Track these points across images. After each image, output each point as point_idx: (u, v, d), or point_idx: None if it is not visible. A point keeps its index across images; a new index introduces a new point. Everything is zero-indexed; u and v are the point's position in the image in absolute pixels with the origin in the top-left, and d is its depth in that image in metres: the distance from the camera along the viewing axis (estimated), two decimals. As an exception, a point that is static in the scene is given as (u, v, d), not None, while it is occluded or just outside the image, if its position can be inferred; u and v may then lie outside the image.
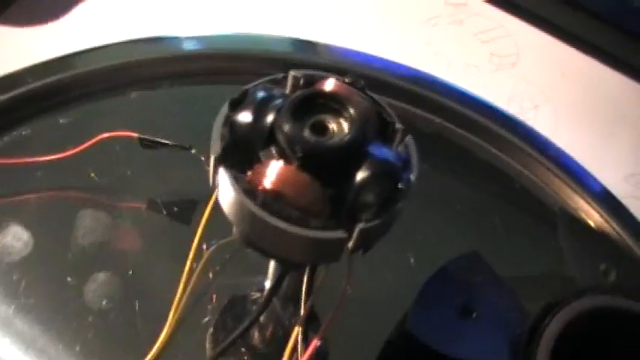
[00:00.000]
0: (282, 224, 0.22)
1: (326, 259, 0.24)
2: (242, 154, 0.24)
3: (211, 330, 0.36)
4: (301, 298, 0.33)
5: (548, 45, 0.53)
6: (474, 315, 0.33)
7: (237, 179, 0.23)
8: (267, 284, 0.35)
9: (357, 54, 0.43)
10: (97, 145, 0.35)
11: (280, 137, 0.23)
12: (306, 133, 0.23)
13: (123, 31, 0.45)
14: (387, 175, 0.23)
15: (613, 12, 0.53)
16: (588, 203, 0.41)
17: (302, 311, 0.28)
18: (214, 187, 0.24)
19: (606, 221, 0.39)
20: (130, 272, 0.34)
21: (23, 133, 0.39)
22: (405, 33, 0.49)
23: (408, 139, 0.25)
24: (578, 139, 0.46)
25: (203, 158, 0.35)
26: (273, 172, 0.22)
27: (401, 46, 0.46)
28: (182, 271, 0.33)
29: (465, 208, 0.40)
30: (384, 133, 0.26)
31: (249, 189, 0.23)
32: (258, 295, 0.40)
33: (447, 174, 0.39)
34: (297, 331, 0.28)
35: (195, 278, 0.33)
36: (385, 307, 0.35)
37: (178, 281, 0.33)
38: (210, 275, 0.36)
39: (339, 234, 0.22)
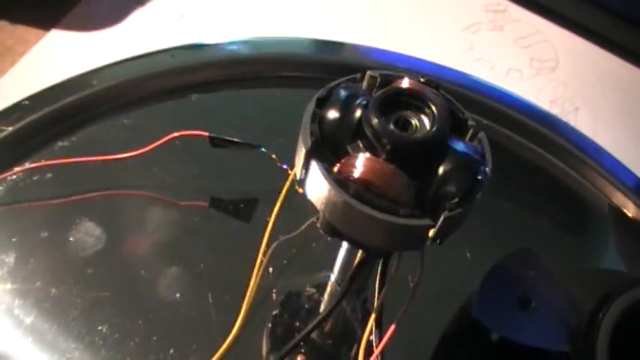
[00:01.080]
0: (374, 212, 0.24)
1: (410, 246, 0.26)
2: (329, 148, 0.25)
3: (270, 325, 0.37)
4: (367, 290, 0.35)
5: (585, 50, 0.54)
6: (532, 305, 0.35)
7: (328, 171, 0.25)
8: (332, 277, 0.37)
9: (408, 59, 0.45)
10: (164, 145, 0.37)
11: (369, 131, 0.24)
12: (391, 127, 0.25)
13: (176, 37, 0.46)
14: (468, 168, 0.25)
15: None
16: (632, 200, 0.42)
17: (376, 300, 0.29)
18: (302, 180, 0.26)
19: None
20: (201, 266, 0.36)
21: (90, 133, 0.41)
22: (448, 40, 0.51)
23: (482, 134, 0.27)
24: (618, 139, 0.47)
25: (274, 156, 0.37)
26: (362, 163, 0.24)
27: (445, 52, 0.48)
28: (248, 265, 0.35)
29: (513, 206, 0.42)
30: (457, 128, 0.27)
31: (340, 180, 0.24)
32: (314, 290, 0.41)
33: (495, 174, 0.41)
34: (372, 318, 0.29)
35: (262, 272, 0.35)
36: (446, 297, 0.36)
37: (245, 274, 0.34)
38: (271, 270, 0.37)
39: (426, 221, 0.24)
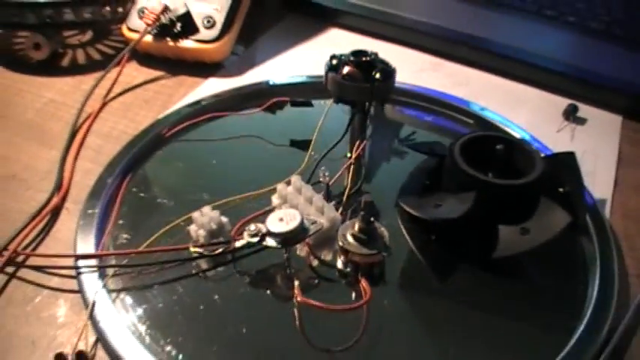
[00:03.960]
0: (350, 83, 0.67)
1: (366, 97, 0.68)
2: (334, 71, 0.70)
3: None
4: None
5: (489, 77, 0.97)
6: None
7: (334, 74, 0.69)
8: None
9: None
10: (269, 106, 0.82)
11: (349, 61, 0.69)
12: (357, 59, 0.69)
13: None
14: (385, 70, 0.69)
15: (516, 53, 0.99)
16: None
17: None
18: (325, 83, 0.70)
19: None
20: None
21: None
22: (404, 76, 0.94)
23: (394, 66, 0.71)
24: (495, 106, 0.88)
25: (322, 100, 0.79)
26: (346, 69, 0.68)
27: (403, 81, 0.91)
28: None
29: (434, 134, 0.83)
30: (385, 65, 0.71)
31: (338, 75, 0.68)
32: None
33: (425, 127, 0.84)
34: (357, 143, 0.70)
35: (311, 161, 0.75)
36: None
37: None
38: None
39: (368, 85, 0.67)
